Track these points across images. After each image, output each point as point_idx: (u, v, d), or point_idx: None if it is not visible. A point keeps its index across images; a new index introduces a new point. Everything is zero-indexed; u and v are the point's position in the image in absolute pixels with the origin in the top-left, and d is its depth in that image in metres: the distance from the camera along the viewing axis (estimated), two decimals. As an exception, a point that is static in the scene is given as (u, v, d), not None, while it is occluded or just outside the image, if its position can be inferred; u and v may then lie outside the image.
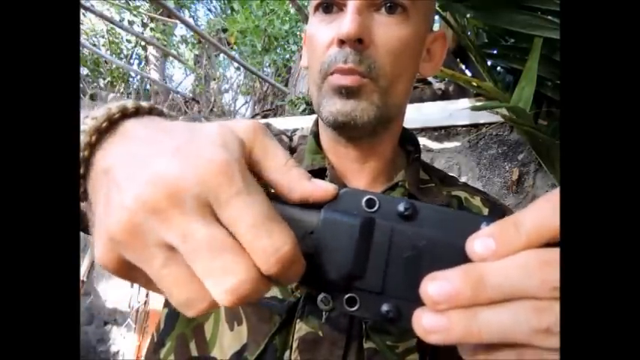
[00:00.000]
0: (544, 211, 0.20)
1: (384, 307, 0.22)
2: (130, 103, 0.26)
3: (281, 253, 0.20)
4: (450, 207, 0.52)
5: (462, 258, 0.21)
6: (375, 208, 0.23)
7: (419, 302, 0.20)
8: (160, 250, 0.21)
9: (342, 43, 0.43)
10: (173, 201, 0.20)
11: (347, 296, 0.23)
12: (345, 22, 0.42)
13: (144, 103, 0.28)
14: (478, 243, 0.20)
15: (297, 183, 0.24)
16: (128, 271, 0.22)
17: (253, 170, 0.24)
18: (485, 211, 0.53)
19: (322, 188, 0.24)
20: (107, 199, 0.22)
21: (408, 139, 0.57)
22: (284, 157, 0.24)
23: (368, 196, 0.24)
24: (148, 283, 0.23)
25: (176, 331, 0.45)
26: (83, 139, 0.24)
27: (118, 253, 0.21)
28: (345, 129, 0.47)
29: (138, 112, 0.27)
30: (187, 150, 0.21)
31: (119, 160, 0.22)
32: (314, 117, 0.55)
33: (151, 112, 0.28)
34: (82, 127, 0.24)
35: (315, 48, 0.47)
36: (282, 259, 0.21)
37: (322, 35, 0.46)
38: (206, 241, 0.20)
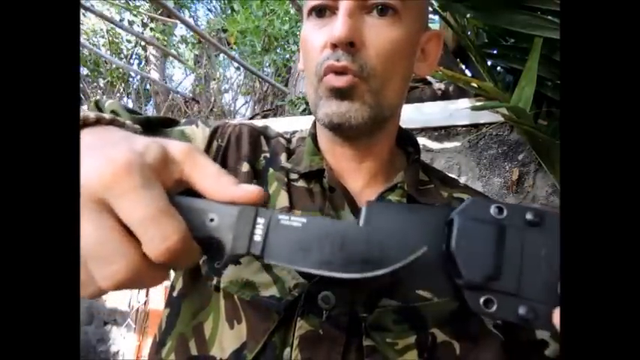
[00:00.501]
0: None
1: (521, 310, 0.24)
2: (92, 115, 0.30)
3: (169, 242, 0.23)
4: None
5: None
6: (504, 215, 0.25)
7: (552, 303, 0.22)
8: None
9: (334, 46, 0.44)
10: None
11: (484, 298, 0.25)
12: (337, 26, 0.43)
13: (106, 116, 0.32)
14: None
15: (226, 188, 0.27)
16: None
17: (188, 184, 0.28)
18: None
19: (248, 191, 0.27)
20: None
21: (407, 140, 0.58)
22: (214, 168, 0.28)
23: (496, 205, 0.26)
24: None
25: (176, 330, 0.46)
26: None
27: None
28: (340, 129, 0.47)
29: (99, 122, 0.31)
30: (105, 153, 0.25)
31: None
32: (313, 117, 0.55)
33: (112, 123, 0.32)
34: None
35: (309, 51, 0.48)
36: (170, 248, 0.23)
37: (315, 39, 0.47)
38: (93, 233, 0.23)
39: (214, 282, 0.44)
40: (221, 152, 0.52)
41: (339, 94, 0.45)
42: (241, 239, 0.26)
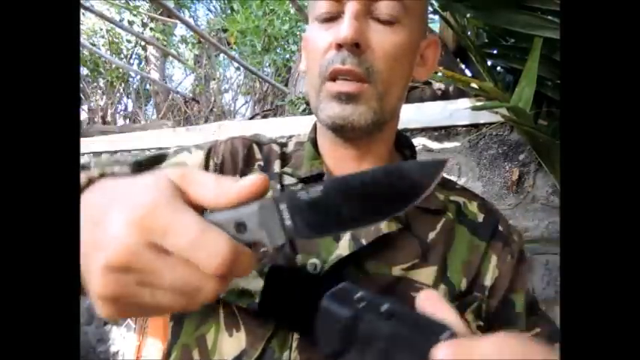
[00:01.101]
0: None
1: None
2: (83, 179, 0.33)
3: (221, 255, 0.24)
4: (447, 212, 0.53)
5: (425, 358, 0.24)
6: (364, 304, 0.28)
7: None
8: (138, 287, 0.26)
9: (339, 47, 0.45)
10: (129, 254, 0.24)
11: None
12: (343, 27, 0.44)
13: (94, 174, 0.34)
14: (440, 354, 0.23)
15: (230, 191, 0.27)
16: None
17: (197, 205, 0.28)
18: (481, 217, 0.54)
19: (250, 185, 0.27)
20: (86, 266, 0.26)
21: (404, 143, 0.59)
22: (211, 178, 0.28)
23: (360, 293, 0.29)
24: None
25: (180, 341, 0.48)
26: None
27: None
28: (342, 131, 0.48)
29: (91, 182, 0.33)
30: (123, 204, 0.26)
31: (84, 227, 0.26)
32: (313, 121, 0.56)
33: (102, 176, 0.35)
34: None
35: (313, 52, 0.49)
36: (224, 260, 0.24)
37: (321, 40, 0.48)
38: (169, 274, 0.25)
39: None
40: (218, 170, 0.53)
41: (345, 97, 0.46)
42: (275, 231, 0.27)
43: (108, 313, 0.26)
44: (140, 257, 0.24)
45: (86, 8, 2.36)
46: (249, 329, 0.43)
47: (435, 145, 1.51)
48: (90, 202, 0.28)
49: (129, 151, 2.20)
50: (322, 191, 0.27)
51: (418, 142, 1.54)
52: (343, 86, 0.45)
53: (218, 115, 4.20)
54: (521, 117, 1.02)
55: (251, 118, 2.86)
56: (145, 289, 0.25)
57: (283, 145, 0.58)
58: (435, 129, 1.51)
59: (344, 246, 0.45)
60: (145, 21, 4.55)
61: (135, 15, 4.50)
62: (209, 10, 5.76)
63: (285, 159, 0.55)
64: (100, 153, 2.21)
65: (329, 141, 0.53)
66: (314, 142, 0.55)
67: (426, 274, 0.47)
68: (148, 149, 2.19)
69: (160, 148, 2.16)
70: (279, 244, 0.27)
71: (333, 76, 0.46)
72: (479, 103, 1.28)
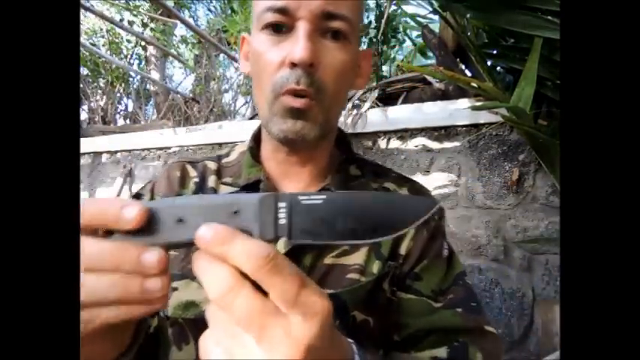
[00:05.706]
0: None
1: None
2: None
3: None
4: None
5: None
6: None
7: None
8: None
9: (293, 65, 0.46)
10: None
11: None
12: (299, 48, 0.45)
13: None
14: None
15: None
16: None
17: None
18: None
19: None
20: None
21: (342, 140, 0.62)
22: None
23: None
24: None
25: None
26: None
27: None
28: (292, 144, 0.51)
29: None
30: None
31: None
32: (253, 131, 0.60)
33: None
34: None
35: (264, 67, 0.49)
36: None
37: (272, 55, 0.48)
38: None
39: (161, 313, 0.48)
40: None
41: (296, 113, 0.48)
42: (267, 226, 0.28)
43: None
44: None
45: (86, 8, 2.36)
46: (199, 341, 0.45)
47: (434, 145, 1.51)
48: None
49: (129, 151, 2.20)
50: (323, 200, 0.29)
51: (418, 142, 1.54)
52: (295, 102, 0.47)
53: (218, 115, 4.19)
54: (521, 117, 1.02)
55: (251, 118, 2.86)
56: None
57: (222, 157, 0.61)
58: (435, 129, 1.51)
59: (280, 246, 0.49)
60: (145, 21, 4.55)
61: (135, 15, 4.49)
62: (209, 10, 5.75)
63: (221, 173, 0.58)
64: (100, 153, 2.21)
65: (272, 148, 0.56)
66: (253, 150, 0.58)
67: (357, 256, 0.51)
68: (148, 149, 2.19)
69: (160, 148, 2.16)
70: (267, 238, 0.28)
71: (287, 95, 0.47)
72: (479, 103, 1.28)
